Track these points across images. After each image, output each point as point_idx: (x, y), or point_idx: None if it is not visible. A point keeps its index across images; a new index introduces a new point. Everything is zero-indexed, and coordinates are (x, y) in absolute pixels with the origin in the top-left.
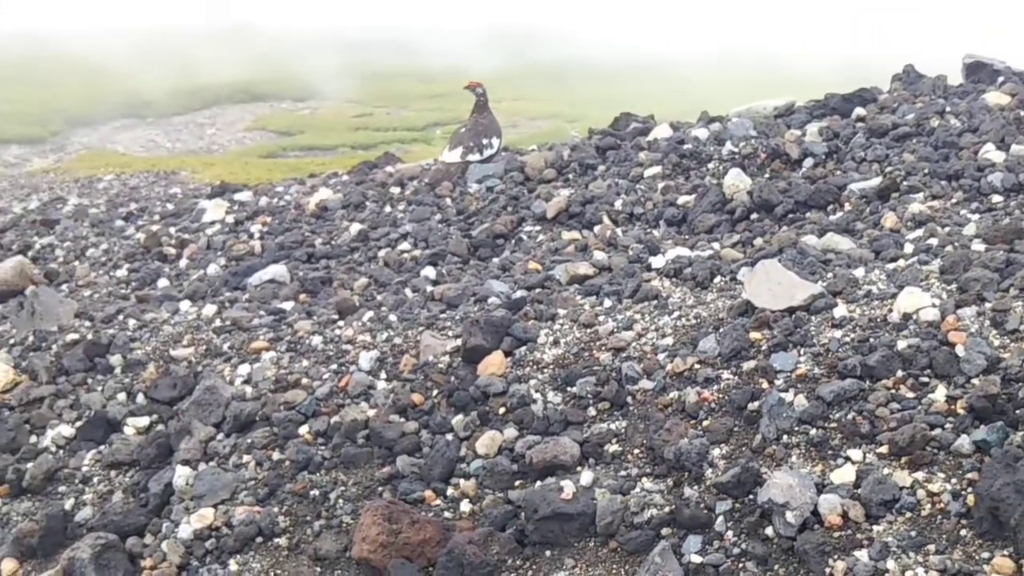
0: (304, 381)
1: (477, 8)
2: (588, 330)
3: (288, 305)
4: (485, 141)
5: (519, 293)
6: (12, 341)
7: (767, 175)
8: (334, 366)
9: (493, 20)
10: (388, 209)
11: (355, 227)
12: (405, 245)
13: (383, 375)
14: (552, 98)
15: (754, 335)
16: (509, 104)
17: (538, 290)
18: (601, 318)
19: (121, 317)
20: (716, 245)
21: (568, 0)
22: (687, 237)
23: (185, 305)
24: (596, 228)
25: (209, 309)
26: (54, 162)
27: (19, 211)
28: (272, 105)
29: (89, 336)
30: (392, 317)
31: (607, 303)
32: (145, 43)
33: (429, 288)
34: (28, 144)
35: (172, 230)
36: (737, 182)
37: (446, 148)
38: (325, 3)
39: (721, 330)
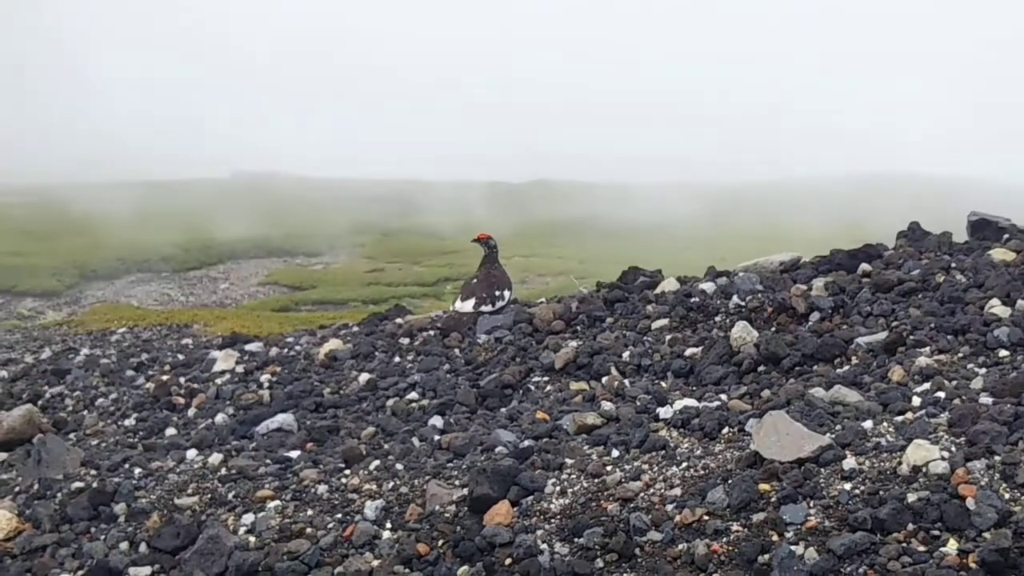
0: (308, 530)
1: (490, 164)
2: (596, 480)
3: (295, 454)
4: (497, 293)
5: (526, 442)
6: (17, 489)
7: (773, 328)
8: (339, 515)
9: (505, 176)
10: (397, 359)
11: (364, 376)
12: (413, 395)
13: (388, 524)
14: (562, 255)
15: (763, 487)
16: (520, 260)
17: (546, 440)
18: (609, 468)
19: (127, 466)
20: (724, 396)
21: (580, 157)
22: (694, 388)
23: (191, 454)
24: (604, 379)
25: (215, 458)
26: (68, 315)
27: (31, 361)
28: (286, 260)
29: (94, 484)
30: (399, 466)
31: (615, 453)
32: (158, 197)
33: (436, 437)
34: (43, 297)
35: (182, 380)
36: (744, 335)
37: (458, 298)
38: (339, 160)
39: (730, 481)
